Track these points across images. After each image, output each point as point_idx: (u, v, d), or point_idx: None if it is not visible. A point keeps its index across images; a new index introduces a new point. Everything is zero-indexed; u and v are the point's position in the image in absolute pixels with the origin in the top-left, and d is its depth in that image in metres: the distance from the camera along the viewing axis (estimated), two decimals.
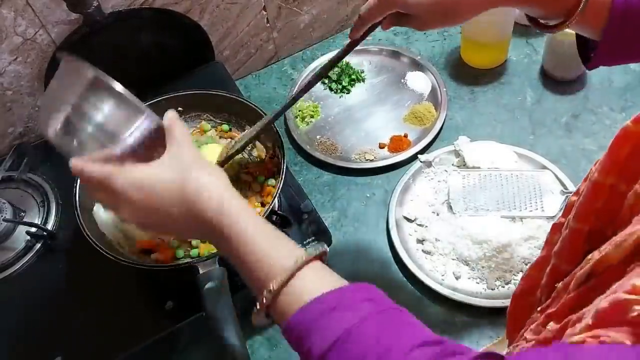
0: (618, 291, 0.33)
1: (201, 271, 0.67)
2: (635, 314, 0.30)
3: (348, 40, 0.68)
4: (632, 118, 0.42)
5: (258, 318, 0.49)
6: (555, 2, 0.56)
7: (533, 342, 0.45)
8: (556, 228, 0.52)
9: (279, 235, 0.51)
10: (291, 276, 0.47)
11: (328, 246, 0.81)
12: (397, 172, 0.99)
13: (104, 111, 0.54)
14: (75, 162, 0.54)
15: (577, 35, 0.62)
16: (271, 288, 0.46)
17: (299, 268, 0.47)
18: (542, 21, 0.61)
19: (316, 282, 0.47)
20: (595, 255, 0.40)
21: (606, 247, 0.39)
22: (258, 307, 0.48)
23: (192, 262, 0.69)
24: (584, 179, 0.49)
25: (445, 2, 0.58)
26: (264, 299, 0.47)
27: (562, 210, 0.89)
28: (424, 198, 0.95)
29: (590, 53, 0.60)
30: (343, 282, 0.47)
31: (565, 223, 0.49)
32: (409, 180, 0.96)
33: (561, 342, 0.39)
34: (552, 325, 0.43)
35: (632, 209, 0.41)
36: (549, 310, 0.45)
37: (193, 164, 0.53)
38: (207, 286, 0.65)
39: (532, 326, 0.47)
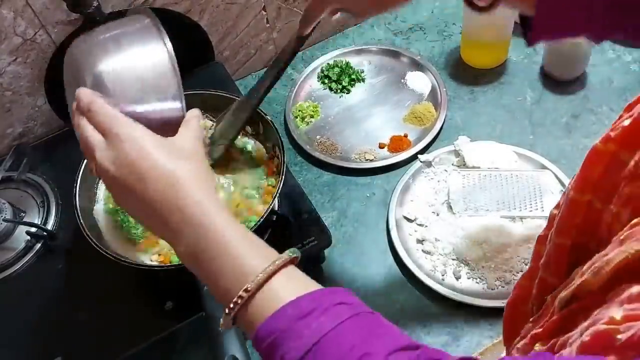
0: (597, 322, 0.33)
1: None
2: (621, 342, 0.31)
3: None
4: (601, 137, 0.42)
5: (226, 324, 0.47)
6: None
7: None
8: (541, 240, 0.52)
9: (254, 237, 0.50)
10: (269, 277, 0.45)
11: (328, 246, 0.82)
12: (397, 172, 0.99)
13: (147, 71, 0.53)
14: (85, 91, 0.52)
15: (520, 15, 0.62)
16: (248, 287, 0.44)
17: (275, 271, 0.46)
18: (474, 1, 0.63)
19: (289, 287, 0.45)
20: (577, 279, 0.40)
21: (586, 271, 0.39)
22: (228, 312, 0.45)
23: None
24: (563, 193, 0.49)
25: None
26: (239, 299, 0.44)
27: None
28: (424, 198, 0.95)
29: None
30: (317, 286, 0.46)
31: (549, 236, 0.49)
32: (409, 180, 0.96)
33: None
34: (539, 347, 0.43)
35: (610, 228, 0.41)
36: (534, 331, 0.45)
37: (194, 153, 0.52)
38: (206, 288, 0.65)
39: (519, 345, 0.47)
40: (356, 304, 0.44)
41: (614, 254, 0.36)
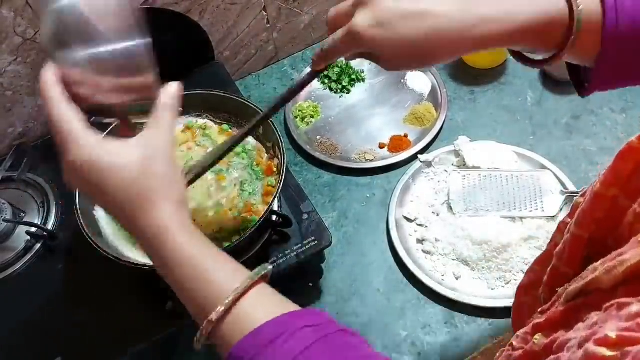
0: (593, 336, 0.32)
1: None
2: None
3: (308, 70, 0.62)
4: (638, 135, 0.41)
5: (200, 343, 0.48)
6: (543, 39, 0.51)
7: (521, 352, 0.45)
8: (561, 227, 0.51)
9: (221, 255, 0.50)
10: (237, 299, 0.46)
11: (328, 246, 0.82)
12: (397, 172, 1.00)
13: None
14: (47, 75, 0.49)
15: (568, 63, 0.56)
16: (219, 310, 0.45)
17: (245, 291, 0.46)
18: (529, 56, 0.57)
19: (261, 306, 0.46)
20: (589, 275, 0.40)
21: (599, 269, 0.39)
22: (200, 334, 0.47)
23: None
24: (591, 184, 0.49)
25: (421, 46, 0.50)
26: (209, 323, 0.46)
27: (562, 210, 0.89)
28: (424, 198, 0.95)
29: (583, 78, 0.56)
30: (288, 306, 0.47)
31: (569, 225, 0.49)
32: (409, 180, 0.96)
33: None
34: (539, 339, 0.42)
35: (632, 227, 0.41)
36: (537, 320, 0.44)
37: (163, 158, 0.50)
38: None
39: (520, 333, 0.47)
40: (323, 325, 0.45)
41: (629, 255, 0.35)
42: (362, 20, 0.50)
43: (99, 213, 0.82)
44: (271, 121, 0.83)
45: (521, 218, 0.88)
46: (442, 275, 0.86)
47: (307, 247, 0.81)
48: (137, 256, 0.78)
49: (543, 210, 0.89)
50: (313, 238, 0.82)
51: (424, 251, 0.89)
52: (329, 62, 0.58)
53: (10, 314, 0.80)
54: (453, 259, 0.87)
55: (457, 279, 0.86)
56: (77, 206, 0.77)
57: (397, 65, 0.54)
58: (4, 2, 0.85)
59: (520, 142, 0.99)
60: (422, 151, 1.00)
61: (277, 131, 0.82)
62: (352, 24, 0.51)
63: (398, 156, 1.00)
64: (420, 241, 0.90)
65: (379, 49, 0.52)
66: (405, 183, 0.96)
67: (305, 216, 0.84)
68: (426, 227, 0.91)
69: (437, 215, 0.92)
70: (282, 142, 0.81)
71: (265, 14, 1.11)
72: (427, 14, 0.49)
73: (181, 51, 1.05)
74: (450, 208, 0.91)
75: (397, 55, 0.52)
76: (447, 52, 0.51)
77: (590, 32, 0.48)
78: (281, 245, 0.81)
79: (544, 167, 0.95)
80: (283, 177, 0.76)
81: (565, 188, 0.91)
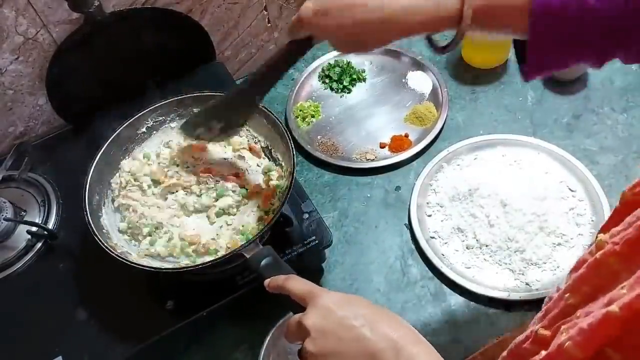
0: None
1: (248, 255, 0.68)
2: None
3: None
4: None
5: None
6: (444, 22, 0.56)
7: None
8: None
9: None
10: None
11: (328, 246, 0.82)
12: (397, 171, 1.00)
13: None
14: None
15: (515, 48, 0.59)
16: None
17: None
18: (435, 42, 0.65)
19: None
20: None
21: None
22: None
23: (236, 251, 0.69)
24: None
25: (353, 34, 0.60)
26: None
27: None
28: (444, 189, 0.95)
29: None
30: None
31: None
32: (431, 170, 0.96)
33: None
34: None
35: None
36: None
37: None
38: (263, 263, 0.66)
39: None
40: None
41: None
42: (307, 8, 0.61)
43: (104, 213, 0.82)
44: (272, 114, 0.83)
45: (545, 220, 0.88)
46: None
47: (307, 246, 0.81)
48: (138, 256, 0.78)
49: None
50: (313, 237, 0.82)
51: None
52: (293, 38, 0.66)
53: (11, 313, 0.81)
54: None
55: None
56: (86, 205, 0.76)
57: (341, 48, 0.65)
58: (6, 2, 0.85)
59: None
60: (423, 151, 1.00)
61: (283, 125, 0.82)
62: (300, 11, 0.62)
63: (399, 156, 1.00)
64: (441, 236, 0.90)
65: (321, 34, 0.63)
66: (428, 173, 0.96)
67: (306, 215, 0.84)
68: (437, 224, 0.91)
69: (457, 206, 0.92)
70: (288, 134, 0.80)
71: (266, 13, 1.11)
72: (357, 7, 0.58)
73: (182, 51, 1.05)
74: (471, 200, 0.91)
75: (336, 40, 0.63)
76: (376, 39, 0.61)
77: (513, 10, 0.52)
78: (282, 245, 0.81)
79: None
80: (293, 181, 0.76)
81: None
